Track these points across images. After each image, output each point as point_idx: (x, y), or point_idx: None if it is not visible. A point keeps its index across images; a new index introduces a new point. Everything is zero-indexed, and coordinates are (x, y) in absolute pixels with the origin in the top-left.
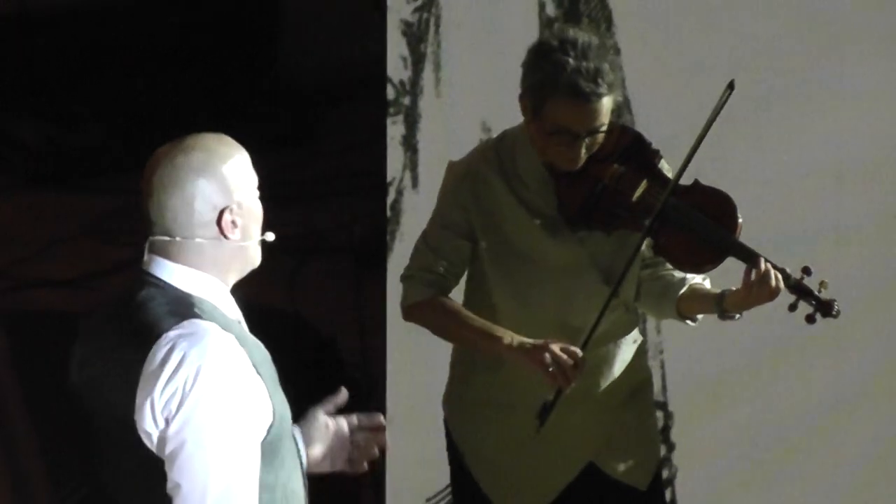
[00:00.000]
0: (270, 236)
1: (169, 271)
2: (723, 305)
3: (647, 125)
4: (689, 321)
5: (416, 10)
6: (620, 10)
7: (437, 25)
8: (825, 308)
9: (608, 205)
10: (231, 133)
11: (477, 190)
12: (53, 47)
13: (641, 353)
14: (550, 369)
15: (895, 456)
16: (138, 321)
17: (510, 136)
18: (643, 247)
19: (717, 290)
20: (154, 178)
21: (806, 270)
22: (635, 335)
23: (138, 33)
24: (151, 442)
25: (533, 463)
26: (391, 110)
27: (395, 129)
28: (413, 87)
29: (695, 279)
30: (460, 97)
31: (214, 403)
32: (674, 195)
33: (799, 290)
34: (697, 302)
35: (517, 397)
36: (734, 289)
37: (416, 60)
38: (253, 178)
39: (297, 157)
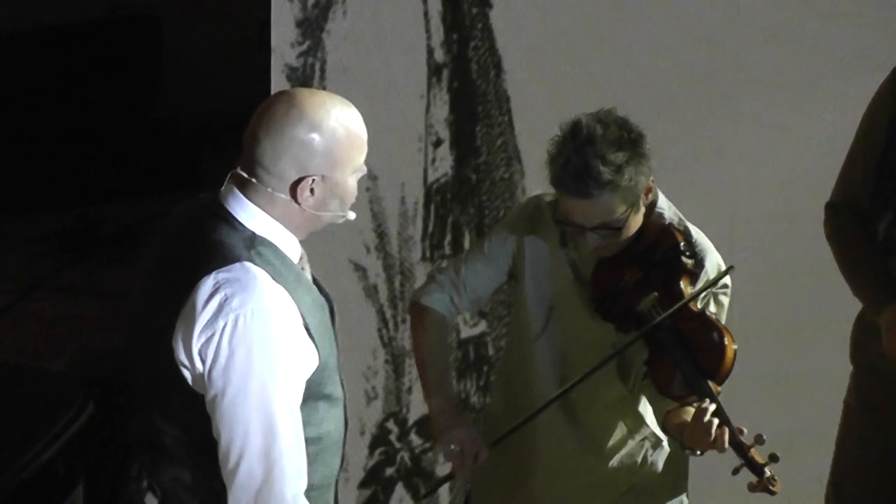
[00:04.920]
0: (352, 216)
1: (240, 206)
2: (683, 438)
3: (538, 174)
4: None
5: (301, 54)
6: (509, 56)
7: (323, 70)
8: (759, 473)
9: (623, 306)
10: (108, 176)
11: (535, 226)
12: None
13: (668, 468)
14: (453, 450)
15: None
16: (195, 251)
17: None
18: None
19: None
20: (266, 114)
21: (759, 439)
22: (651, 438)
23: (12, 73)
24: (187, 375)
25: None
26: None
27: None
28: None
29: None
30: None
31: (253, 353)
32: (674, 319)
33: (741, 452)
34: (676, 425)
35: (536, 463)
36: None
37: None
38: (354, 159)
39: (176, 202)
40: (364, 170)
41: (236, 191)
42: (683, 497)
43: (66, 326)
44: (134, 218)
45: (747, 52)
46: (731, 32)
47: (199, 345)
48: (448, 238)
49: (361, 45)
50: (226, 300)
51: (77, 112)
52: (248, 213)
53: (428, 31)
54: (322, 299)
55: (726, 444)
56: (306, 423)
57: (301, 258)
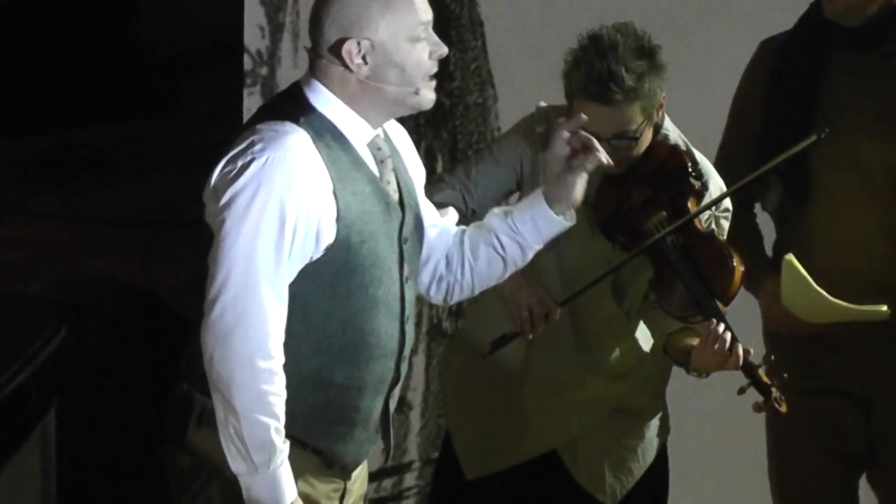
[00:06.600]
0: (429, 95)
1: (310, 88)
2: (689, 361)
3: (511, 99)
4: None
5: None
6: None
7: None
8: (766, 394)
9: (630, 224)
10: (84, 101)
11: (547, 140)
12: None
13: (654, 393)
14: (522, 314)
15: None
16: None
17: None
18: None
19: (694, 342)
20: None
21: (767, 360)
22: (646, 361)
23: None
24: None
25: (504, 430)
26: (248, 81)
27: (252, 101)
28: (271, 58)
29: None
30: None
31: (257, 197)
32: (682, 235)
33: (749, 371)
34: (680, 348)
35: (531, 371)
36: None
37: (274, 30)
38: (405, 19)
39: (152, 128)
40: (441, 49)
41: (309, 74)
42: (664, 417)
43: (41, 251)
44: (110, 143)
45: None
46: None
47: (218, 177)
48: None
49: None
50: (252, 144)
51: (52, 36)
52: (317, 94)
53: None
54: (393, 204)
55: (740, 361)
56: (331, 308)
57: (380, 149)
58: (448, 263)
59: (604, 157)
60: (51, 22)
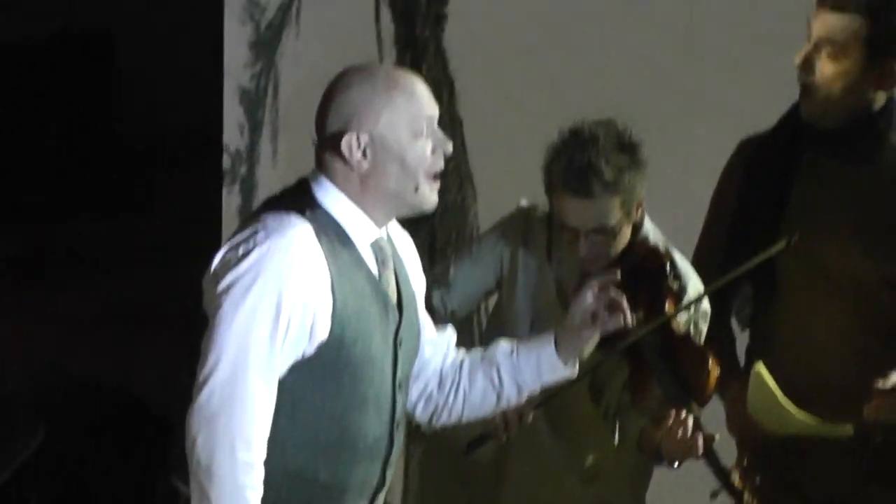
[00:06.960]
0: (430, 198)
1: (317, 183)
2: (661, 451)
3: (491, 197)
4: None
5: (254, 76)
6: (462, 78)
7: (276, 92)
8: (737, 497)
9: None
10: (62, 197)
11: (526, 237)
12: None
13: (633, 495)
14: (496, 418)
15: None
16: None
17: None
18: None
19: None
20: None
21: (739, 463)
22: (627, 469)
23: None
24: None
25: None
26: (227, 180)
27: (231, 199)
28: (250, 156)
29: None
30: (298, 167)
31: (255, 285)
32: (659, 336)
33: (713, 463)
34: (652, 442)
35: (509, 469)
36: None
37: (254, 128)
38: (407, 112)
39: (131, 224)
40: (447, 145)
41: (316, 170)
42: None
43: (18, 350)
44: (88, 240)
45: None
46: (690, 60)
47: (219, 263)
48: None
49: (314, 66)
50: (255, 233)
51: (31, 133)
52: (323, 190)
53: (381, 52)
54: (391, 305)
55: (700, 449)
56: (320, 406)
57: (382, 250)
58: (440, 384)
59: (629, 318)
60: (30, 120)
